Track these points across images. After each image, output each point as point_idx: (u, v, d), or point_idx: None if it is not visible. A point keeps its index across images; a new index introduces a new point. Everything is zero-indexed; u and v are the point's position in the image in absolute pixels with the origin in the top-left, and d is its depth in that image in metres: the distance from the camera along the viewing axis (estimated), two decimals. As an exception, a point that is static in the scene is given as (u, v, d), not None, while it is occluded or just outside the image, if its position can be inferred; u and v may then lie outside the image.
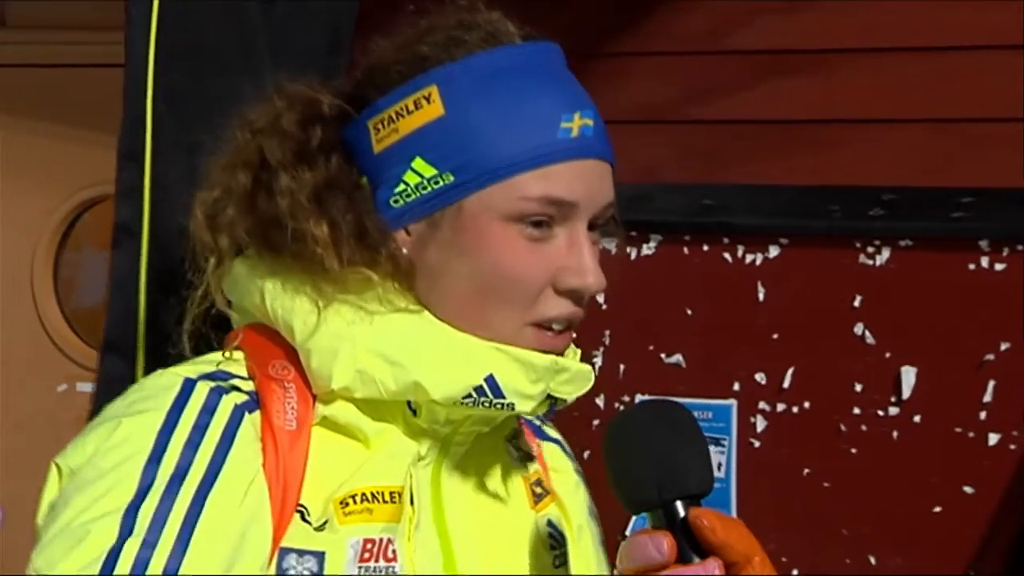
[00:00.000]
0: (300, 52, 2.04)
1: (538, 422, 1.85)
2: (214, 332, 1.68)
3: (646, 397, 3.95)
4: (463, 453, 1.67)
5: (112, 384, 1.74)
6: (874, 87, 3.88)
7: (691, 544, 1.46)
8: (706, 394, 4.01)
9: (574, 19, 3.98)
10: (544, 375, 1.61)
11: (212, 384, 1.57)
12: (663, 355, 4.07)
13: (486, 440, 1.70)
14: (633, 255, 4.04)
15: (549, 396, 1.63)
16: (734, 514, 3.98)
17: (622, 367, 4.07)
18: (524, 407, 1.61)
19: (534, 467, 1.78)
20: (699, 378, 4.04)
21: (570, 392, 1.64)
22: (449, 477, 1.66)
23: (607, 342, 4.04)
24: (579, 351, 1.69)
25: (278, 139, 1.64)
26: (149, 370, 1.73)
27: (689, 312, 4.06)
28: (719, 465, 4.01)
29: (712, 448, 4.00)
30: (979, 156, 3.79)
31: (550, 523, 1.74)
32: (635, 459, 1.50)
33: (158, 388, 1.57)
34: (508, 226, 1.59)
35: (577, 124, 1.61)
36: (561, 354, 1.65)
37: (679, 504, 1.47)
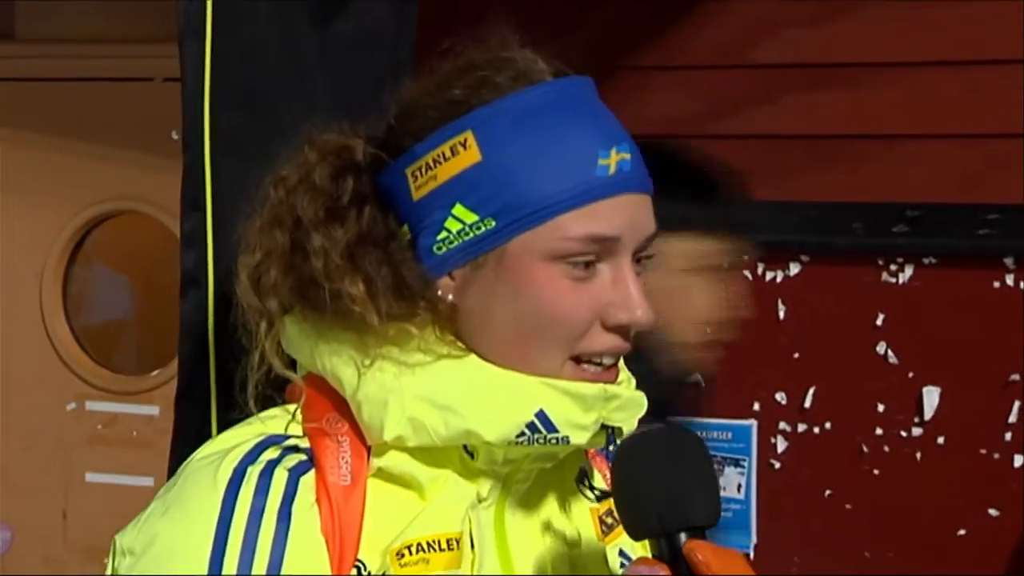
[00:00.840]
0: (361, 81, 2.02)
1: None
2: (276, 393, 1.70)
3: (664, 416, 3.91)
4: (525, 491, 1.67)
5: (188, 434, 1.76)
6: (899, 102, 3.88)
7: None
8: (726, 414, 3.98)
9: (598, 32, 3.99)
10: (595, 404, 1.60)
11: (261, 465, 1.58)
12: (682, 374, 4.03)
13: (550, 475, 1.69)
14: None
15: (604, 426, 1.61)
16: (754, 536, 3.98)
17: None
18: (579, 439, 1.60)
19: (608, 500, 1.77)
20: (719, 397, 4.01)
21: (623, 419, 1.63)
22: (513, 516, 1.65)
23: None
24: (633, 379, 1.68)
25: (310, 196, 1.64)
26: (221, 419, 1.79)
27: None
28: (739, 486, 3.98)
29: (732, 469, 3.97)
30: (1005, 173, 3.78)
31: (622, 553, 1.72)
32: (638, 487, 1.51)
33: (211, 475, 1.59)
34: (551, 266, 1.59)
35: (614, 160, 1.61)
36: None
37: (682, 535, 1.47)
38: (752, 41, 3.98)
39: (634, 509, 1.51)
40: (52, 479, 5.04)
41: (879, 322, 3.90)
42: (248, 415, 1.67)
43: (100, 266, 5.23)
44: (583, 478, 1.70)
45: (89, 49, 4.91)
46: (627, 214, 1.61)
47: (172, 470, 1.66)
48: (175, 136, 4.62)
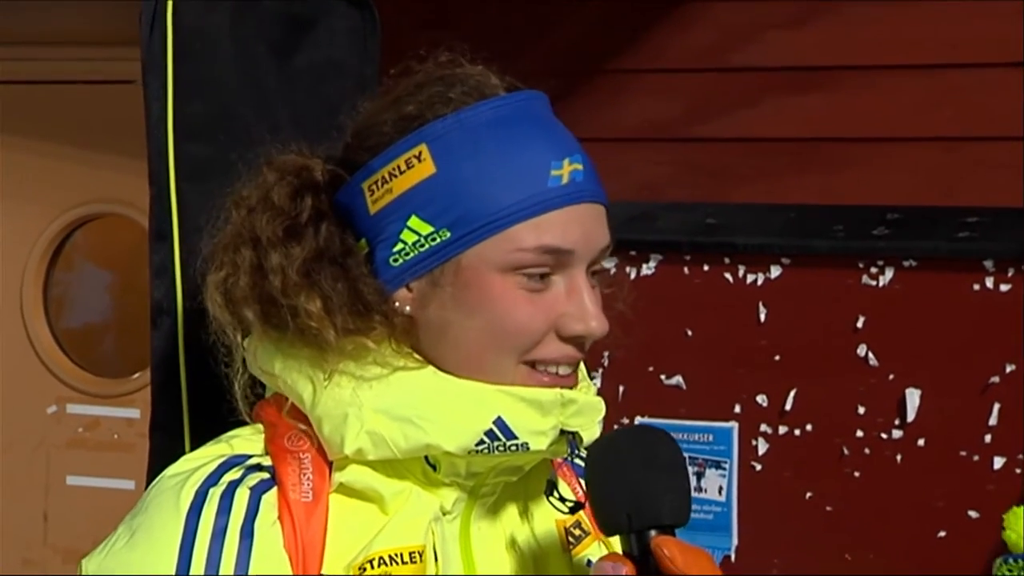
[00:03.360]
0: (323, 110, 2.03)
1: (580, 462, 1.82)
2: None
3: (646, 419, 3.92)
4: (491, 504, 1.68)
5: (162, 461, 1.77)
6: (880, 105, 3.88)
7: (656, 573, 1.48)
8: (707, 416, 3.99)
9: (577, 35, 3.98)
10: (552, 409, 1.61)
11: (222, 487, 1.60)
12: (663, 376, 4.05)
13: (515, 488, 1.70)
14: (633, 275, 4.02)
15: (563, 432, 1.63)
16: (734, 538, 3.99)
17: (621, 389, 4.04)
18: (539, 444, 1.61)
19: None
20: (700, 400, 4.02)
21: (581, 424, 1.63)
22: (478, 529, 1.66)
23: (606, 363, 4.02)
24: (594, 386, 1.70)
25: (268, 215, 1.66)
26: (194, 446, 1.78)
27: (689, 333, 4.03)
28: (720, 488, 3.98)
29: (713, 471, 3.97)
30: (985, 176, 3.78)
31: (590, 564, 1.72)
32: (609, 485, 1.53)
33: (174, 498, 1.60)
34: (506, 278, 1.61)
35: (567, 170, 1.62)
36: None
37: (652, 532, 1.50)
38: (732, 44, 3.98)
39: (605, 507, 1.53)
40: (33, 481, 5.03)
41: (860, 324, 3.90)
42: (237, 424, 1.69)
43: (81, 269, 5.22)
44: (551, 490, 1.70)
45: (67, 52, 4.91)
46: (581, 226, 1.63)
47: None
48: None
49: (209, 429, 1.74)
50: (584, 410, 1.63)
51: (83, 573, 1.61)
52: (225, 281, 1.66)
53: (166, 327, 1.99)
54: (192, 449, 1.74)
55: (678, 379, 4.05)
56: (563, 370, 1.64)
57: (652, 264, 4.05)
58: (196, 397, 1.96)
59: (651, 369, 4.04)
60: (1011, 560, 2.52)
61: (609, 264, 1.72)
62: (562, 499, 1.69)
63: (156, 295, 2.01)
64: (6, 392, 5.06)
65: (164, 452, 1.94)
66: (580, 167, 1.63)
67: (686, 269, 4.04)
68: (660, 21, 4.02)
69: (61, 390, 5.05)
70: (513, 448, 1.60)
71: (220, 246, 1.68)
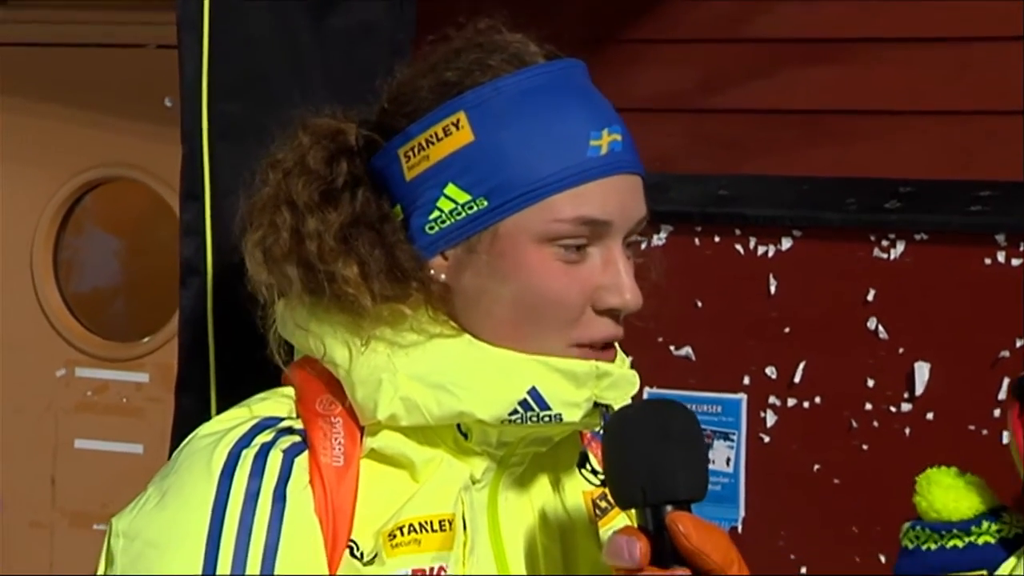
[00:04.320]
0: (356, 74, 2.03)
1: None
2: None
3: (655, 390, 3.92)
4: (520, 474, 1.68)
5: (188, 421, 1.78)
6: (894, 78, 3.87)
7: (670, 549, 1.47)
8: (716, 387, 4.00)
9: (591, 5, 3.97)
10: (586, 381, 1.61)
11: (255, 448, 1.59)
12: (672, 348, 4.05)
13: (544, 459, 1.70)
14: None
15: (597, 405, 1.62)
16: (742, 510, 3.99)
17: (630, 359, 4.03)
18: (572, 416, 1.61)
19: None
20: (709, 371, 4.03)
21: (615, 398, 1.63)
22: (506, 499, 1.66)
23: (615, 333, 4.01)
24: (628, 359, 1.69)
25: (304, 179, 1.65)
26: (221, 407, 1.80)
27: (699, 304, 4.03)
28: (728, 460, 3.99)
29: (721, 442, 3.98)
30: (998, 150, 3.78)
31: None
32: (624, 459, 1.52)
33: (206, 459, 1.59)
34: (543, 248, 1.60)
35: (606, 140, 1.62)
36: None
37: (668, 507, 1.48)
38: (746, 15, 3.97)
39: (620, 481, 1.52)
40: (41, 445, 5.04)
41: (870, 298, 3.90)
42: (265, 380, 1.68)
43: (91, 233, 5.22)
44: (584, 461, 1.70)
45: (82, 15, 4.89)
46: (618, 197, 1.62)
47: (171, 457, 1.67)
48: (168, 103, 4.63)
49: (237, 390, 1.73)
50: (619, 383, 1.63)
51: (114, 530, 1.60)
52: (264, 240, 1.65)
53: (195, 287, 1.99)
54: (220, 411, 1.73)
55: (687, 350, 4.05)
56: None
57: (663, 235, 4.04)
58: (224, 357, 1.96)
59: (660, 340, 4.04)
60: (918, 527, 2.50)
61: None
62: (594, 471, 1.69)
63: (186, 254, 2.01)
64: (15, 355, 5.07)
65: (191, 413, 1.94)
66: (619, 137, 1.62)
67: (697, 240, 4.04)
68: (673, -8, 4.02)
69: (70, 353, 5.06)
70: (546, 419, 1.60)
71: (257, 207, 1.67)
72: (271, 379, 1.70)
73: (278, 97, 1.99)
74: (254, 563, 1.54)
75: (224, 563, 1.54)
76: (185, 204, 2.02)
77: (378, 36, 2.12)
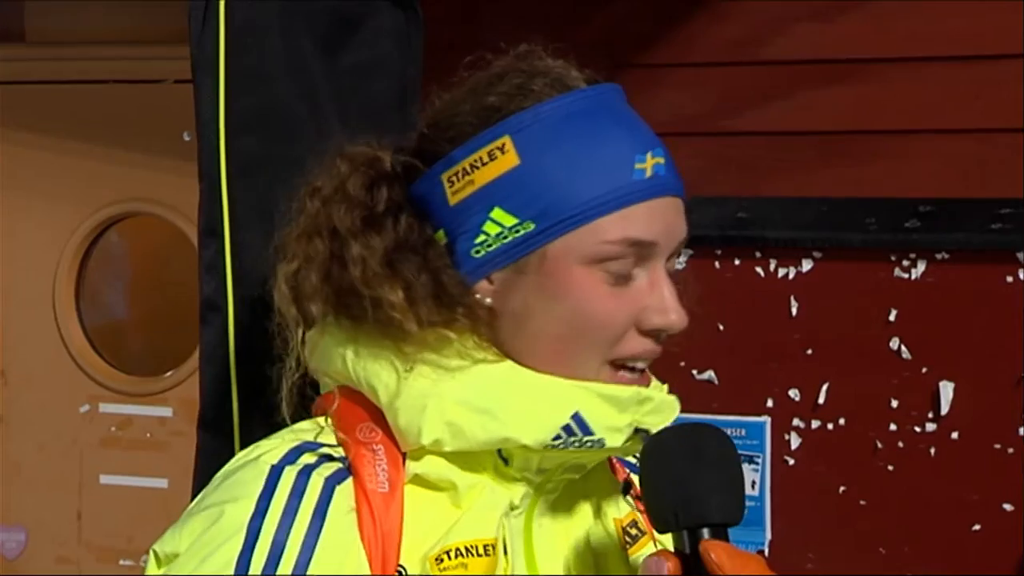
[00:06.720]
0: (368, 108, 2.05)
1: (632, 459, 1.83)
2: (303, 410, 1.72)
3: (679, 415, 3.90)
4: (553, 500, 1.68)
5: (210, 460, 1.78)
6: (911, 97, 3.86)
7: (706, 574, 1.48)
8: (739, 411, 3.99)
9: (607, 29, 3.98)
10: (629, 406, 1.62)
11: (298, 467, 1.60)
12: (695, 372, 4.04)
13: (576, 486, 1.71)
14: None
15: (637, 430, 1.63)
16: (768, 533, 3.98)
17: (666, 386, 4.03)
18: (614, 441, 1.62)
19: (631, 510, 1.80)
20: (732, 395, 4.02)
21: (657, 422, 1.64)
22: (540, 526, 1.67)
23: (637, 358, 4.01)
24: (666, 385, 1.70)
25: (345, 206, 1.66)
26: (244, 444, 1.78)
27: (721, 327, 4.03)
28: (752, 483, 3.98)
29: (746, 466, 3.96)
30: (1017, 167, 3.77)
31: None
32: (659, 483, 1.54)
33: (246, 479, 1.60)
34: (590, 270, 1.62)
35: (650, 163, 1.63)
36: None
37: (705, 531, 1.50)
38: (763, 38, 3.97)
39: (655, 505, 1.54)
40: (66, 480, 5.05)
41: (892, 318, 3.89)
42: (281, 426, 1.68)
43: (113, 268, 5.24)
44: (627, 490, 1.72)
45: (99, 51, 4.91)
46: (663, 218, 1.64)
47: (196, 495, 1.67)
48: (187, 138, 4.65)
49: (258, 427, 1.75)
50: (660, 408, 1.65)
51: (151, 557, 1.61)
52: (296, 274, 1.66)
53: (216, 324, 2.00)
54: (242, 447, 1.74)
55: (710, 374, 4.04)
56: (641, 364, 1.65)
57: (683, 258, 4.02)
58: (246, 394, 1.97)
59: (683, 364, 4.03)
60: None
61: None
62: (637, 497, 1.70)
63: (206, 291, 2.02)
64: (39, 391, 5.08)
65: (212, 450, 1.94)
66: (662, 160, 1.64)
67: (717, 263, 4.03)
68: (689, 15, 4.01)
69: (93, 389, 5.06)
70: (588, 444, 1.61)
71: (293, 236, 1.68)
72: (288, 419, 1.70)
73: (294, 132, 2.01)
74: (291, 552, 1.55)
75: (260, 553, 1.55)
76: (204, 241, 2.03)
77: (388, 72, 2.13)
